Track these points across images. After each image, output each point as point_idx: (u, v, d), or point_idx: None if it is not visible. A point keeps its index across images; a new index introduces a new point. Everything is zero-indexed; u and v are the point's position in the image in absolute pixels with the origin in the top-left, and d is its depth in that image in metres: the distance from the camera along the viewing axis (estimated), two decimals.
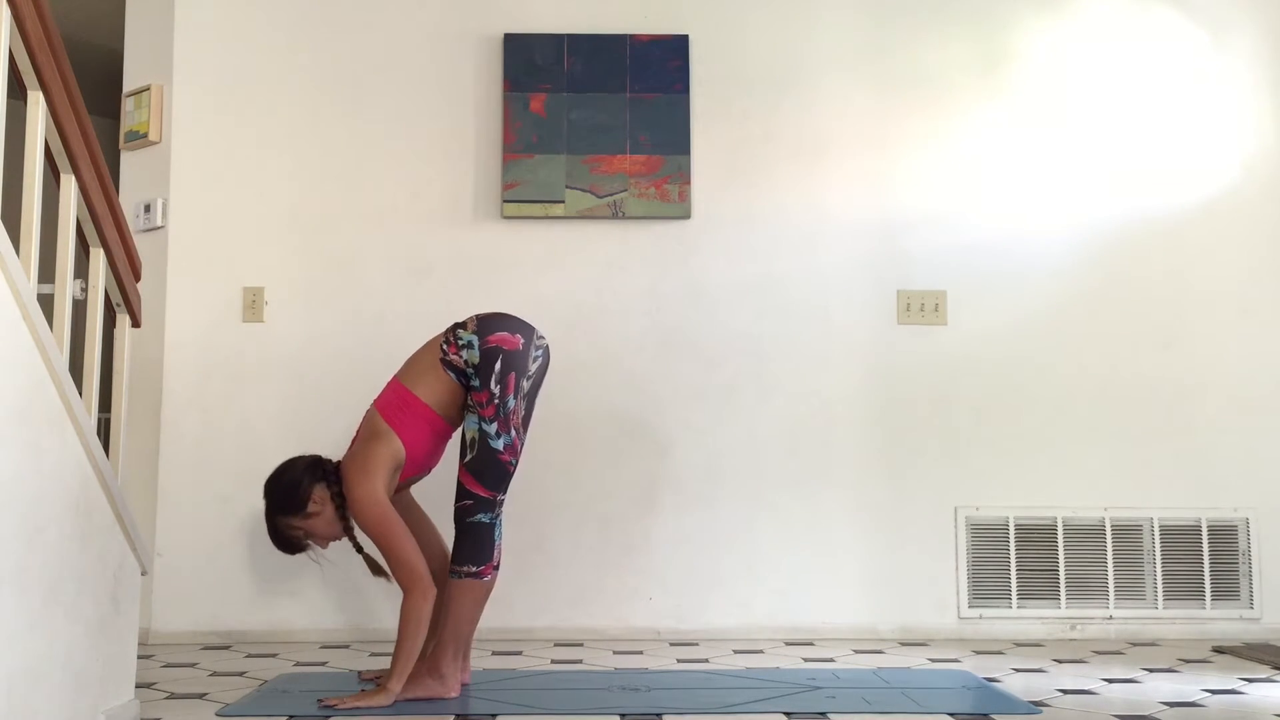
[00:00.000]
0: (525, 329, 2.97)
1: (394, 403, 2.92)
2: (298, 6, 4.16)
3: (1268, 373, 4.09)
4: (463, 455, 2.87)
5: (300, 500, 2.88)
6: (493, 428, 2.85)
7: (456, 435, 2.96)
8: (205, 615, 3.90)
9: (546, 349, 3.07)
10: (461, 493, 2.86)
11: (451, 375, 2.90)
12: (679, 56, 4.10)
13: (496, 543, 2.88)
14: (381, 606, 3.84)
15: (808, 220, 4.11)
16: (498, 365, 2.87)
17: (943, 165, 4.14)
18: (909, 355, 4.07)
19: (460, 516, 2.86)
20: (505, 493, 2.89)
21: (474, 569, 2.83)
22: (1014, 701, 2.76)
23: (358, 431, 2.96)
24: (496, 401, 2.85)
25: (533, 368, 2.98)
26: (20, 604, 1.95)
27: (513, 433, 2.88)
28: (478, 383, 2.86)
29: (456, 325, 2.97)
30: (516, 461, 2.91)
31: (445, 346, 2.93)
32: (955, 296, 4.08)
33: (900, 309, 4.08)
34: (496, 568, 2.90)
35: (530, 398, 3.02)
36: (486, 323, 2.94)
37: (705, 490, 4.01)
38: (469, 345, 2.89)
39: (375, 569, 3.00)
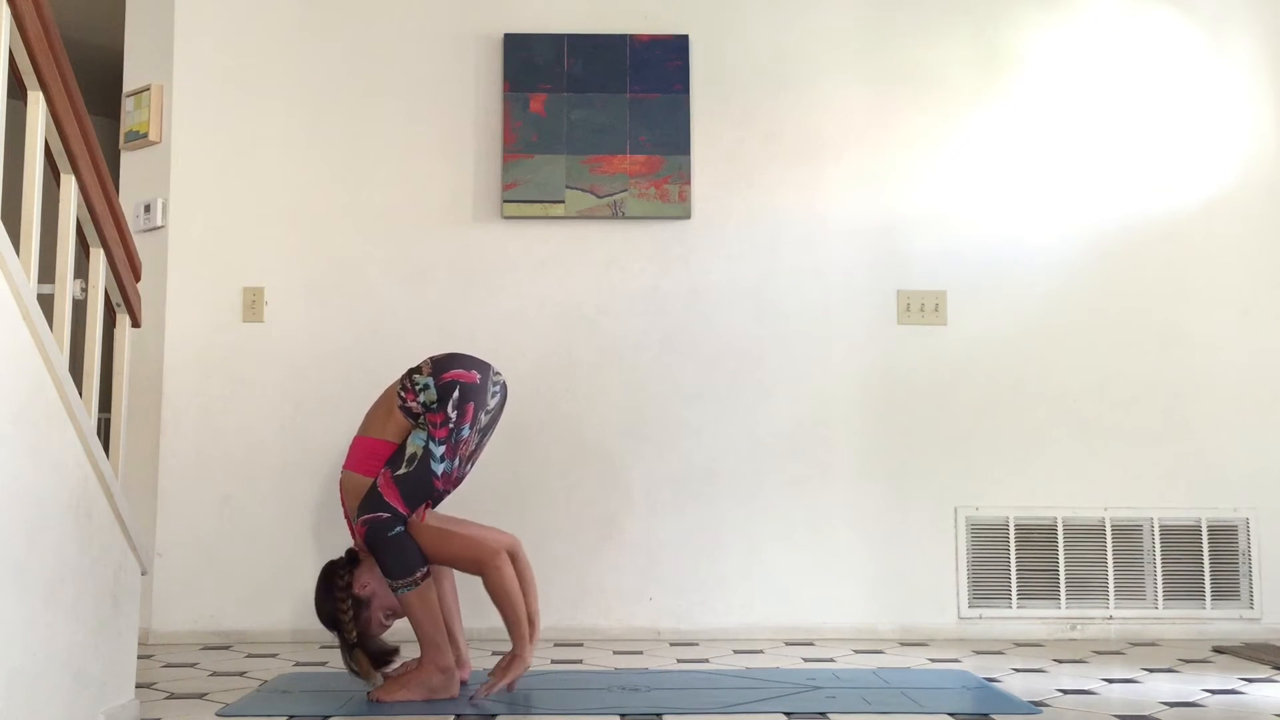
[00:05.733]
0: (482, 366, 2.95)
1: (358, 456, 2.89)
2: (298, 7, 4.16)
3: (1267, 373, 4.09)
4: (394, 466, 2.82)
5: (344, 593, 2.83)
6: (439, 450, 2.82)
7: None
8: (205, 615, 3.90)
9: (504, 385, 3.05)
10: (377, 503, 2.79)
11: (410, 421, 2.87)
12: (679, 56, 4.10)
13: (416, 543, 2.83)
14: None
15: (807, 220, 4.11)
16: (456, 394, 2.85)
17: (942, 165, 4.14)
18: (909, 355, 4.07)
19: (380, 531, 2.77)
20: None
21: (420, 574, 2.79)
22: (1014, 701, 2.76)
23: (344, 504, 2.93)
24: (451, 426, 2.83)
25: (491, 403, 2.96)
26: (20, 604, 1.95)
27: (456, 462, 2.86)
28: (435, 406, 2.84)
29: (412, 371, 2.94)
30: (448, 492, 2.90)
31: (403, 394, 2.89)
32: (955, 296, 4.08)
33: (900, 309, 4.08)
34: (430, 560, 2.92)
35: (484, 434, 2.99)
36: (441, 363, 2.92)
37: (705, 490, 4.01)
38: (425, 388, 2.86)
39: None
